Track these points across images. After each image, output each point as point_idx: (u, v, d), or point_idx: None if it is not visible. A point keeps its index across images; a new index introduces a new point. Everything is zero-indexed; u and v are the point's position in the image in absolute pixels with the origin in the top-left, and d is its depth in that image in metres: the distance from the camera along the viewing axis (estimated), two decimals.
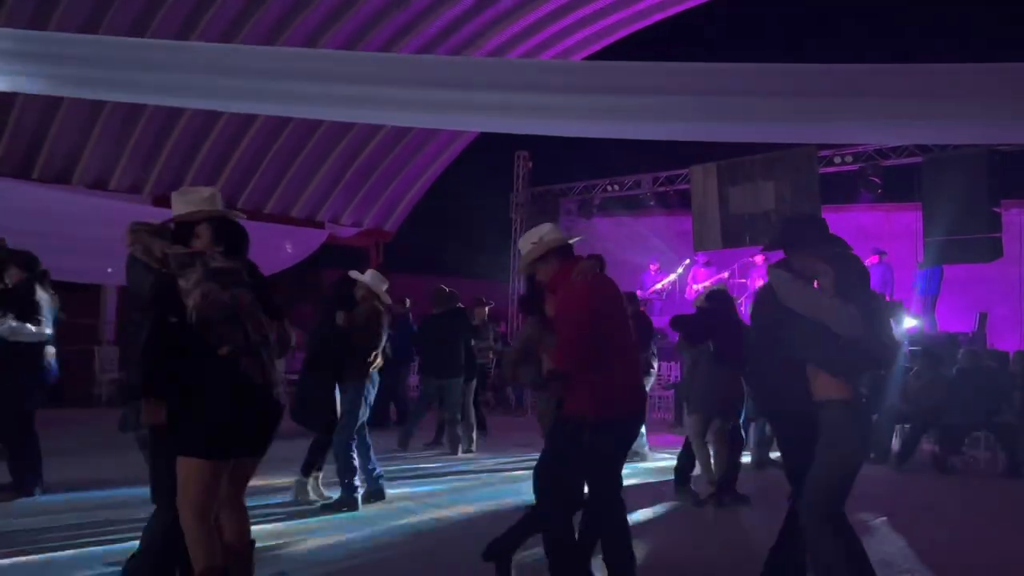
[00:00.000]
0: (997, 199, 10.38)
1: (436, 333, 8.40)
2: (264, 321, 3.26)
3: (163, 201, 13.46)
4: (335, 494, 5.79)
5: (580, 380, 3.62)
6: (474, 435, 8.61)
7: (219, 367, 3.12)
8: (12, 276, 5.73)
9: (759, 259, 13.17)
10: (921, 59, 4.59)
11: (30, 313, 5.63)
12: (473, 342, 8.88)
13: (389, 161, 15.63)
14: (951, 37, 13.31)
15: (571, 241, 3.93)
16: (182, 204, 3.44)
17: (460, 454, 8.34)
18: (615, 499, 3.75)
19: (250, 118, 13.01)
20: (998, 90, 4.48)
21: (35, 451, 5.86)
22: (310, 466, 5.90)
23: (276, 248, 14.61)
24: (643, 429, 8.05)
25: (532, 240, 3.88)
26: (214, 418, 3.13)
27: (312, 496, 5.88)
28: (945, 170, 10.64)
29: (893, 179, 11.76)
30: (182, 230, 3.39)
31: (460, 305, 8.71)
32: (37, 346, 5.76)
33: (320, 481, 5.97)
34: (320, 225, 15.72)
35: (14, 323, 5.57)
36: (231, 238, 3.34)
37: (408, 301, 10.46)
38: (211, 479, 3.15)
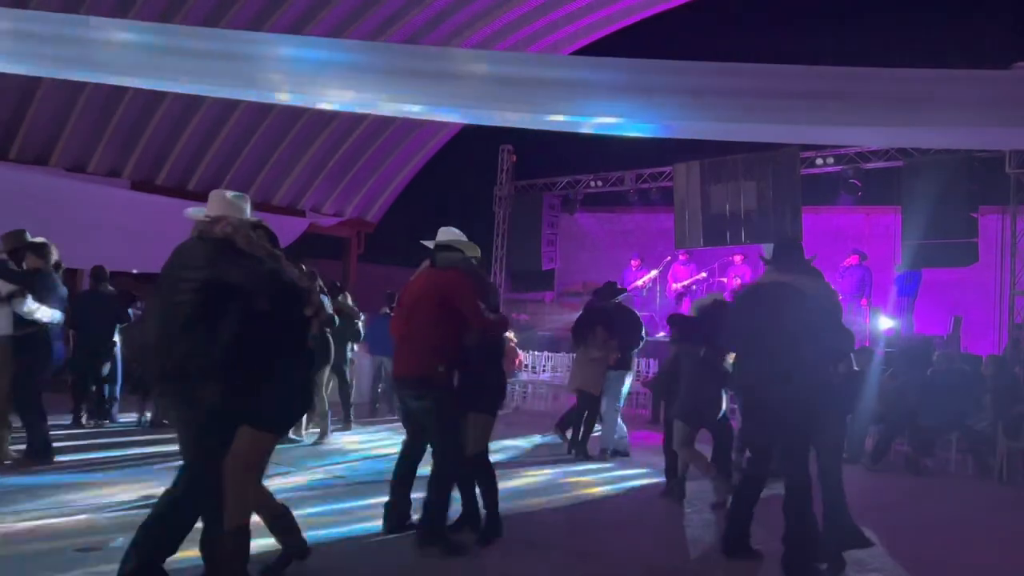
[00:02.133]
0: (975, 204, 10.51)
1: (83, 313, 8.32)
2: None
3: (142, 186, 13.35)
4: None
5: None
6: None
7: (302, 357, 3.73)
8: (29, 262, 6.22)
9: (738, 258, 13.26)
10: (903, 64, 4.64)
11: (43, 298, 6.11)
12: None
13: (372, 151, 15.55)
14: (933, 44, 13.44)
15: None
16: (237, 208, 3.78)
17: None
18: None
19: (232, 104, 12.88)
20: (978, 97, 4.53)
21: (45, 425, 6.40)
22: None
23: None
24: (624, 428, 8.03)
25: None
26: (293, 401, 3.78)
27: None
28: (925, 174, 10.76)
29: (874, 182, 11.87)
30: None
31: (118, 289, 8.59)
32: (48, 328, 6.22)
33: None
34: (301, 214, 15.62)
35: (33, 303, 6.01)
36: (276, 245, 3.82)
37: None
38: (270, 452, 3.69)
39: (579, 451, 7.87)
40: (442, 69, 5.16)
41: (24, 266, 6.22)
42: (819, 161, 11.88)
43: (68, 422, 8.23)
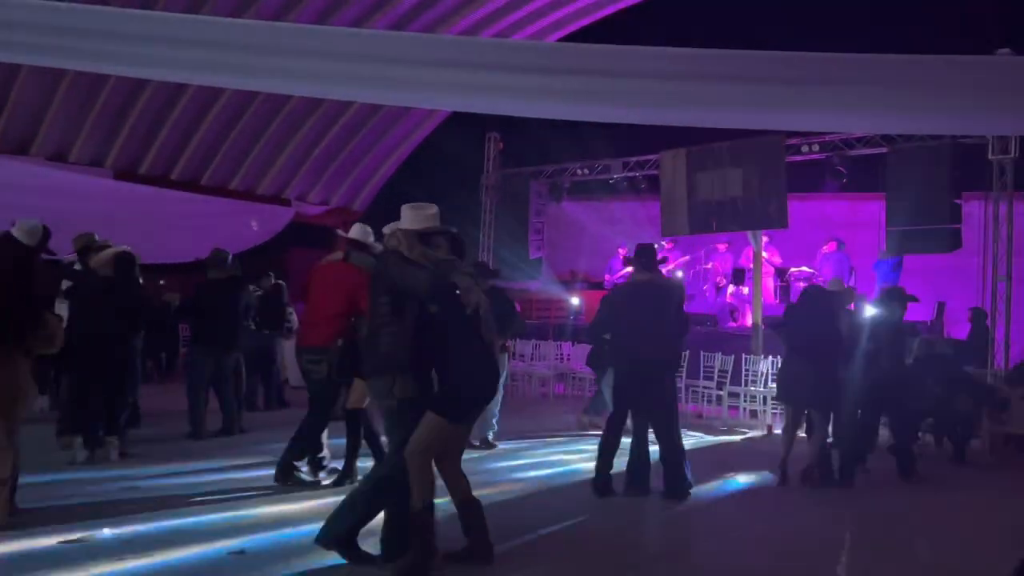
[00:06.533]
0: (958, 191, 10.56)
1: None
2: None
3: (125, 175, 13.22)
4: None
5: None
6: None
7: (477, 351, 4.07)
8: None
9: (722, 246, 13.31)
10: (889, 50, 4.64)
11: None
12: None
13: (359, 139, 15.46)
14: (918, 30, 13.48)
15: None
16: (422, 219, 4.18)
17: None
18: None
19: (216, 91, 12.77)
20: (961, 82, 4.55)
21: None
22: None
23: (242, 225, 14.41)
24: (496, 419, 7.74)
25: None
26: (469, 392, 4.09)
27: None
28: (909, 161, 10.80)
29: (859, 169, 11.90)
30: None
31: None
32: None
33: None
34: (287, 203, 15.53)
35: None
36: (460, 250, 4.33)
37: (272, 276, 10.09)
38: (446, 437, 4.03)
39: None
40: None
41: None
42: (804, 148, 11.89)
43: None
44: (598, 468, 5.98)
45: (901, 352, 7.41)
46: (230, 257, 8.14)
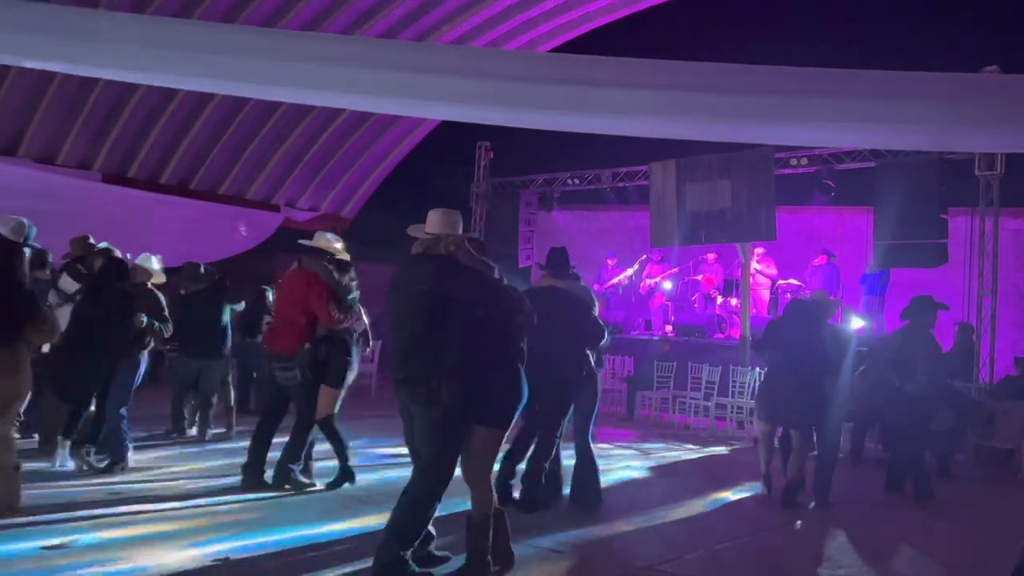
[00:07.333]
0: (944, 206, 10.65)
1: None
2: None
3: (113, 178, 13.14)
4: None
5: None
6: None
7: (520, 359, 4.14)
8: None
9: (711, 256, 13.36)
10: (879, 66, 4.69)
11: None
12: None
13: (349, 146, 15.44)
14: (905, 48, 13.60)
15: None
16: (457, 224, 4.17)
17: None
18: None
19: (206, 96, 12.73)
20: (949, 99, 4.59)
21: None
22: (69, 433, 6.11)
23: (230, 230, 14.36)
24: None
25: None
26: (514, 399, 4.09)
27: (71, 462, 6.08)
28: (896, 176, 10.89)
29: (846, 183, 11.99)
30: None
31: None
32: None
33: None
34: (276, 208, 15.46)
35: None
36: (486, 253, 4.28)
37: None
38: (501, 444, 4.16)
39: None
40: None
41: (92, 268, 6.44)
42: (793, 161, 11.97)
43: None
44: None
45: (938, 363, 6.90)
46: (203, 267, 8.12)
